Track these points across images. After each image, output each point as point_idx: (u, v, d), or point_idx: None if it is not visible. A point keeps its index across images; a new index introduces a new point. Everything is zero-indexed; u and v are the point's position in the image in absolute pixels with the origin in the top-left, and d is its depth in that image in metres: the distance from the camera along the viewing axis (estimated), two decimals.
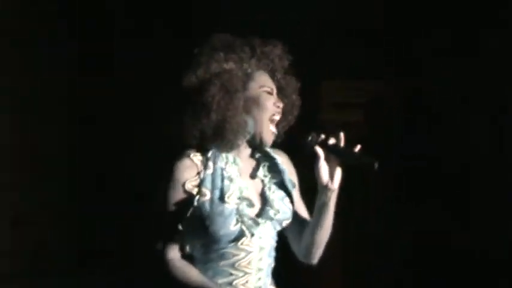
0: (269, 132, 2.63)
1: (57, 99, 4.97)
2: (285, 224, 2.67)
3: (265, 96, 2.63)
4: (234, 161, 2.63)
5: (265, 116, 2.61)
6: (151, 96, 4.84)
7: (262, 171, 2.67)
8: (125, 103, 5.03)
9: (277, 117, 2.63)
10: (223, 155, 2.61)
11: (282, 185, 2.70)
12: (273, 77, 2.69)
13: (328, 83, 5.79)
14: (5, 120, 4.78)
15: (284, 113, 2.68)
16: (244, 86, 2.62)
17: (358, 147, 2.54)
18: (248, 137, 2.64)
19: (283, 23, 4.83)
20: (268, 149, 2.71)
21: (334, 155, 2.55)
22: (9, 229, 4.78)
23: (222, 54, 2.62)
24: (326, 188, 2.57)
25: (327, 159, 2.57)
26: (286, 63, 2.72)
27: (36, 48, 4.87)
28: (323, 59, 5.24)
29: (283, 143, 2.77)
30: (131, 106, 5.03)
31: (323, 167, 2.57)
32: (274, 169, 2.70)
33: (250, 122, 2.61)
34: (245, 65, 2.65)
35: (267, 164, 2.70)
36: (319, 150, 2.57)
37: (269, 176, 2.68)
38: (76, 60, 4.99)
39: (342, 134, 2.57)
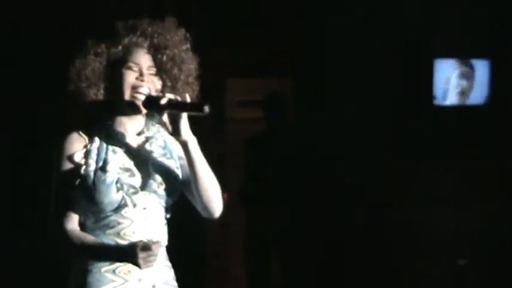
0: (131, 102, 2.80)
1: None
2: (172, 197, 2.87)
3: (126, 72, 2.81)
4: (120, 135, 2.85)
5: (124, 89, 2.80)
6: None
7: (149, 147, 2.86)
8: None
9: (142, 90, 2.80)
10: (111, 129, 2.84)
11: (171, 160, 2.90)
12: (155, 53, 2.85)
13: (230, 81, 5.56)
14: None
15: (170, 86, 2.86)
16: (114, 61, 2.83)
17: (188, 97, 2.76)
18: (116, 106, 2.82)
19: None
20: (162, 129, 2.91)
21: (169, 110, 2.74)
22: None
23: (96, 41, 2.86)
24: (179, 141, 2.79)
25: (170, 115, 2.76)
26: (175, 38, 2.89)
27: None
28: (225, 58, 5.72)
29: None
30: None
31: (167, 124, 2.78)
32: (164, 145, 2.91)
33: (113, 96, 2.83)
34: (122, 43, 2.84)
35: (155, 140, 2.89)
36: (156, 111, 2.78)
37: (156, 151, 2.87)
38: None
39: (166, 94, 2.78)
